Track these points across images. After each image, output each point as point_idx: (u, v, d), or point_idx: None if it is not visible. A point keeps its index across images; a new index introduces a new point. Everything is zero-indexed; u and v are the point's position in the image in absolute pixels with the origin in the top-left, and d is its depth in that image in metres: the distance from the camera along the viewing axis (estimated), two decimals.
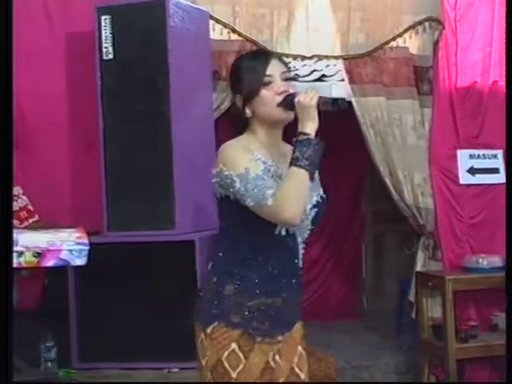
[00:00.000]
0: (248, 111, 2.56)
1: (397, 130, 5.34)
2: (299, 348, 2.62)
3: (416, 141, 5.40)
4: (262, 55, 2.62)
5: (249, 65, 2.55)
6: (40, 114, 4.95)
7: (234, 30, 5.08)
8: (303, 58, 5.25)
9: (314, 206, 2.56)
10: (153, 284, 4.41)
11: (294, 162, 2.39)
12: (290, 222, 2.39)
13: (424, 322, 5.24)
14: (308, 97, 2.41)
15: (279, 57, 2.65)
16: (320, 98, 2.41)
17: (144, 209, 4.50)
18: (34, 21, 4.91)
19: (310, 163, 2.36)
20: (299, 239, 2.56)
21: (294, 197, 2.36)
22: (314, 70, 5.31)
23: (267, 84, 2.50)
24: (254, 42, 5.10)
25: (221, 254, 2.54)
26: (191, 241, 4.31)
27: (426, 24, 5.39)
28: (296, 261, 2.55)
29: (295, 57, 5.24)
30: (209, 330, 2.48)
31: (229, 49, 5.03)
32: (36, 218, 4.35)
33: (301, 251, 2.57)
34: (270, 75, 2.51)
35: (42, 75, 4.95)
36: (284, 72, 2.54)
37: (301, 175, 2.37)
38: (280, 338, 2.54)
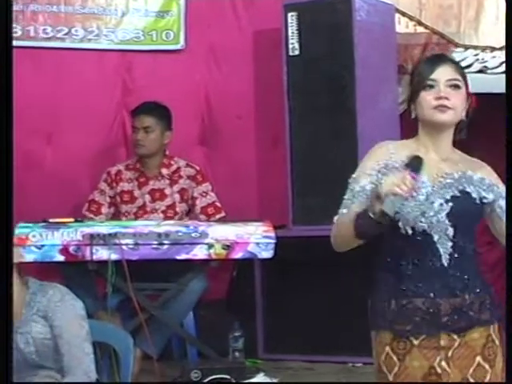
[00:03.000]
0: (412, 112, 2.55)
1: None
2: (478, 358, 2.52)
3: None
4: (433, 59, 2.61)
5: (419, 67, 2.57)
6: (227, 110, 5.09)
7: (420, 23, 5.01)
8: (492, 49, 5.10)
9: (448, 201, 2.48)
10: (337, 278, 4.42)
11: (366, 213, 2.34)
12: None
13: None
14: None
15: (455, 64, 2.60)
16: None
17: (329, 203, 4.49)
18: (224, 19, 5.07)
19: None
20: (436, 237, 2.48)
21: (339, 231, 2.46)
22: (504, 62, 5.14)
23: (428, 87, 2.49)
24: (440, 35, 5.01)
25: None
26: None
27: None
28: (434, 259, 2.48)
29: (483, 48, 5.10)
30: (372, 336, 2.53)
31: (415, 42, 4.97)
32: (223, 214, 4.46)
33: (444, 250, 2.49)
34: (433, 79, 2.50)
35: (229, 71, 5.09)
36: (450, 79, 2.51)
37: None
38: (442, 342, 2.48)
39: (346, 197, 2.48)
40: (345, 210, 2.46)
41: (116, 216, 4.48)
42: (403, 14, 4.99)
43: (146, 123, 4.45)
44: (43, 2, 4.75)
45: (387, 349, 2.47)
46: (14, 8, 4.69)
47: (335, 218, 2.48)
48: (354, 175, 2.51)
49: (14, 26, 4.70)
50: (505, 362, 2.46)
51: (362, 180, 2.47)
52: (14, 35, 4.69)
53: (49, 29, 4.78)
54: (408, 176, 2.30)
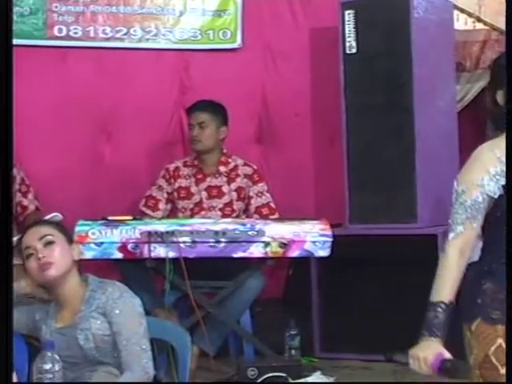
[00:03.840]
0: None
1: None
2: None
3: None
4: None
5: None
6: (284, 108, 5.10)
7: (479, 19, 4.96)
8: None
9: None
10: (394, 277, 4.40)
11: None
12: None
13: None
14: None
15: None
16: None
17: (386, 202, 4.50)
18: (281, 18, 5.08)
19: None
20: None
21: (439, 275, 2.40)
22: None
23: None
24: (500, 31, 4.94)
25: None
26: (433, 235, 4.26)
27: None
28: None
29: None
30: (473, 327, 2.46)
31: (473, 39, 4.91)
32: (276, 215, 4.46)
33: None
34: None
35: (286, 70, 5.11)
36: None
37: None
38: None
39: (457, 211, 2.40)
40: (461, 228, 2.39)
41: (173, 212, 4.53)
42: (462, 10, 4.94)
43: (200, 119, 4.49)
44: (103, 2, 4.82)
45: (499, 340, 2.39)
46: (75, 9, 4.78)
47: (450, 235, 2.41)
48: (460, 187, 2.41)
49: (74, 27, 4.79)
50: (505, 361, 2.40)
51: (473, 192, 2.38)
52: (75, 36, 4.78)
53: (108, 29, 4.85)
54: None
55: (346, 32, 4.57)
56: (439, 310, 2.38)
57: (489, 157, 2.42)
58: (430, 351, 2.35)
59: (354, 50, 4.57)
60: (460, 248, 2.41)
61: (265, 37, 5.08)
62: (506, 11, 2.70)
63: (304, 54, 5.08)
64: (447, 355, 2.34)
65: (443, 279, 2.41)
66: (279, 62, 5.12)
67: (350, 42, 4.57)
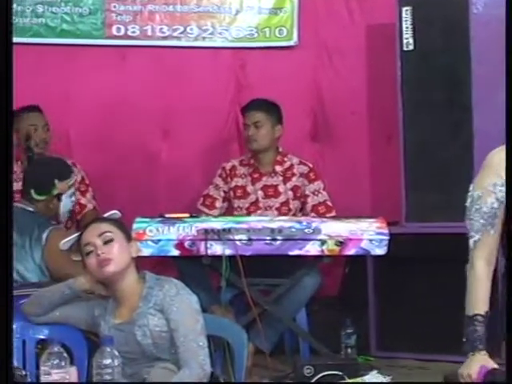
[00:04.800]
0: None
1: None
2: None
3: None
4: None
5: None
6: (340, 106, 5.08)
7: None
8: None
9: None
10: (451, 276, 4.35)
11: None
12: None
13: None
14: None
15: None
16: None
17: (443, 200, 4.45)
18: (337, 15, 5.06)
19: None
20: None
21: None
22: None
23: None
24: None
25: None
26: None
27: None
28: None
29: None
30: None
31: None
32: (333, 213, 4.44)
33: None
34: None
35: (342, 67, 5.09)
36: None
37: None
38: None
39: (473, 217, 2.44)
40: (479, 236, 2.43)
41: (229, 211, 4.55)
42: None
43: (255, 119, 4.50)
44: (160, 2, 4.88)
45: None
46: (133, 9, 4.84)
47: (470, 243, 2.47)
48: (476, 192, 2.44)
49: (132, 26, 4.85)
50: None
51: (488, 198, 2.41)
52: (133, 35, 4.84)
53: (165, 28, 4.90)
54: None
55: (403, 29, 4.53)
56: (477, 323, 2.36)
57: (501, 160, 2.42)
58: (473, 367, 2.35)
59: (411, 47, 4.53)
60: (485, 258, 2.42)
61: (321, 34, 5.07)
62: (506, 11, 2.66)
63: (360, 52, 5.05)
64: (491, 366, 2.30)
65: (475, 292, 2.41)
66: (335, 60, 5.11)
67: (407, 38, 4.54)
